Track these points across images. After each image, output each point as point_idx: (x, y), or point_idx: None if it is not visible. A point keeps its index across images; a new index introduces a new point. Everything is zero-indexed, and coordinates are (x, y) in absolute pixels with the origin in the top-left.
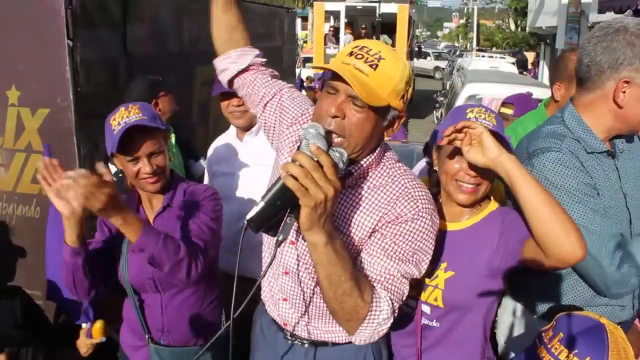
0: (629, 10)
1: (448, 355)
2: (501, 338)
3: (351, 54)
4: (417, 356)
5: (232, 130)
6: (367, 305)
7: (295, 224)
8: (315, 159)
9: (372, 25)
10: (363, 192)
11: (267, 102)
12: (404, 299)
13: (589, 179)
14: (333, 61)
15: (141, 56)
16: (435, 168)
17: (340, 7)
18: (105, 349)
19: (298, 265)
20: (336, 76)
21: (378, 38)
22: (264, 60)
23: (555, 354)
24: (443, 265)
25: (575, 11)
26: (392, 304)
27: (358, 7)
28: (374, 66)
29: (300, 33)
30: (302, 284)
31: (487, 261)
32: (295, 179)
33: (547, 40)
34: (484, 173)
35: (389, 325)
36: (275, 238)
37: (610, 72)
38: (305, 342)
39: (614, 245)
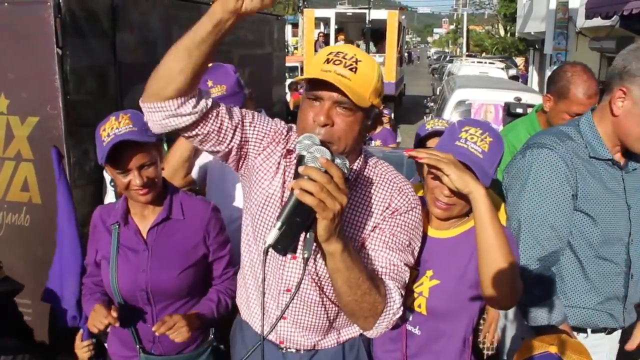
0: (615, 16)
1: None
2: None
3: (328, 60)
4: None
5: None
6: (384, 299)
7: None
8: (323, 170)
9: (362, 32)
10: (361, 193)
11: (232, 136)
12: (406, 285)
13: (568, 187)
14: (309, 69)
15: (131, 64)
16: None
17: (330, 14)
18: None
19: (305, 280)
20: (317, 85)
21: (368, 44)
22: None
23: None
24: (429, 272)
25: (563, 17)
26: (400, 291)
27: (348, 14)
28: (354, 69)
29: (291, 40)
30: (307, 300)
31: (473, 272)
32: (311, 194)
33: (536, 46)
34: (460, 194)
35: (400, 312)
36: (266, 248)
37: (618, 78)
38: (300, 349)
39: (539, 267)
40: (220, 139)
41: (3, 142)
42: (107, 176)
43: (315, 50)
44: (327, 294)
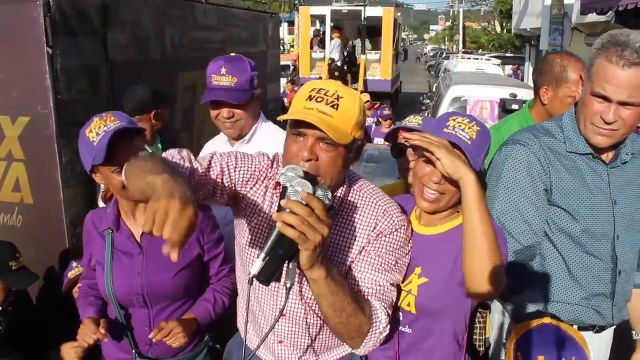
0: (610, 12)
1: None
2: (491, 338)
3: (310, 98)
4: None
5: (223, 135)
6: (369, 320)
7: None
8: (305, 204)
9: (357, 29)
10: (346, 218)
11: (222, 190)
12: (393, 304)
13: (540, 183)
14: (293, 107)
15: (123, 63)
16: (411, 166)
17: (326, 11)
18: None
19: (297, 305)
20: (301, 122)
21: (364, 42)
22: (191, 157)
23: None
24: (418, 270)
25: (559, 13)
26: (387, 311)
27: (344, 11)
28: (336, 106)
29: (287, 38)
30: (302, 324)
31: (461, 269)
32: (293, 227)
33: (532, 42)
34: (450, 181)
35: (387, 331)
36: (251, 278)
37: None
38: None
39: (515, 261)
40: (212, 195)
41: None
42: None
43: (311, 48)
44: (319, 316)
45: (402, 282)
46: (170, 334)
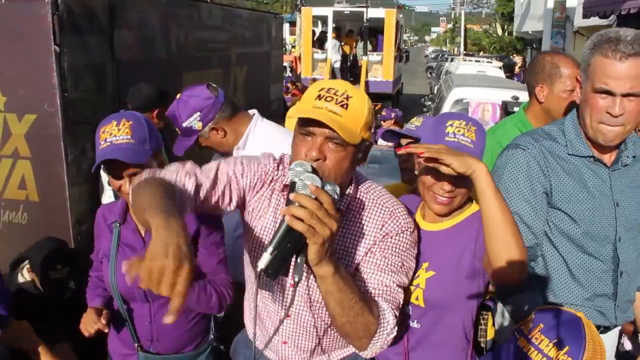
0: (612, 16)
1: (430, 357)
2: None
3: (319, 97)
4: (404, 355)
5: None
6: (377, 320)
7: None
8: (314, 197)
9: (359, 30)
10: (353, 220)
11: (231, 198)
12: (400, 306)
13: (539, 186)
14: (301, 106)
15: (129, 61)
16: (416, 172)
17: (328, 12)
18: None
19: (302, 305)
20: (309, 121)
21: (366, 43)
22: (195, 171)
23: (536, 344)
24: (425, 265)
25: (561, 16)
26: (394, 312)
27: (345, 12)
28: (345, 106)
29: (288, 38)
30: (307, 325)
31: (468, 261)
32: (301, 220)
33: (534, 45)
34: (460, 183)
35: (395, 333)
36: (258, 272)
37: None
38: None
39: None
40: (220, 204)
41: (0, 140)
42: (104, 175)
43: (321, 48)
44: (322, 317)
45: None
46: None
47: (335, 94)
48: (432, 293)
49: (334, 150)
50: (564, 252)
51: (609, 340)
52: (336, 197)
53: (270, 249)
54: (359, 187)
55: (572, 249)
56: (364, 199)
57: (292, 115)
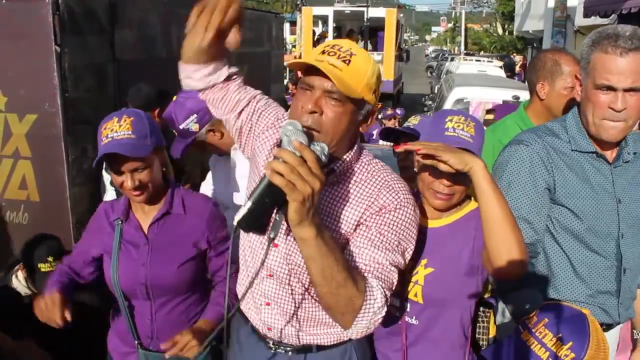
0: (613, 15)
1: (428, 353)
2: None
3: (323, 52)
4: (402, 352)
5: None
6: (362, 295)
7: (283, 224)
8: (299, 155)
9: (360, 30)
10: (346, 187)
11: (243, 108)
12: (393, 288)
13: (542, 182)
14: (305, 58)
15: (130, 61)
16: (415, 170)
17: (329, 12)
18: (94, 356)
19: (283, 267)
20: (310, 72)
21: (366, 43)
22: (236, 69)
23: (540, 338)
24: (423, 261)
25: (561, 15)
26: (385, 292)
27: (346, 12)
28: (347, 61)
29: (289, 38)
30: (287, 287)
31: (466, 258)
32: (282, 175)
33: (534, 44)
34: (458, 180)
35: (383, 314)
36: (261, 236)
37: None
38: (289, 349)
39: None
40: (233, 107)
41: (1, 140)
42: (107, 175)
43: (313, 46)
44: (303, 282)
45: (409, 274)
46: (185, 347)
47: (339, 50)
48: (431, 290)
49: (332, 105)
50: (567, 248)
51: (611, 337)
52: (323, 157)
53: (249, 203)
54: (362, 158)
55: (575, 245)
56: (363, 169)
57: (291, 62)
